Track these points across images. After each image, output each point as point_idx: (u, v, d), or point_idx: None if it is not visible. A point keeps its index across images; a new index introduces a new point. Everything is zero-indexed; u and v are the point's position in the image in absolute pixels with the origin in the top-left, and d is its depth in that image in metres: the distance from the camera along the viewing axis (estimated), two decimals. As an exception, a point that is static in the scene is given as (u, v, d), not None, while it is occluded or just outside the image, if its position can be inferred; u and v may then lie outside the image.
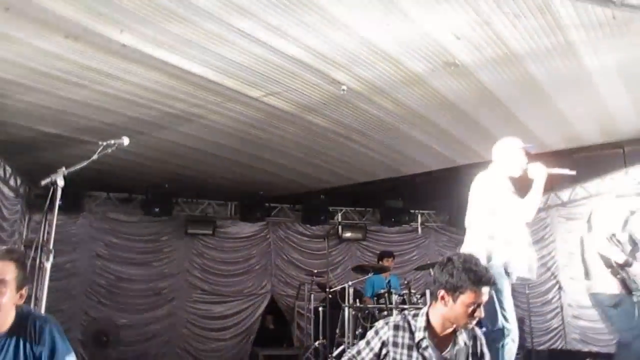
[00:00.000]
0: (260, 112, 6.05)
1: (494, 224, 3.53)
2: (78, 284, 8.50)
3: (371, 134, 6.83)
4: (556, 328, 8.57)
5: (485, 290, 2.38)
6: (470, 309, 2.37)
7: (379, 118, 6.27)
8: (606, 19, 4.12)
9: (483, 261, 3.25)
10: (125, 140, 3.04)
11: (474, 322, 2.45)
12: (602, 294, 4.14)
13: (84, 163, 2.86)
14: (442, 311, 2.45)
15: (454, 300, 2.39)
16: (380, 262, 7.94)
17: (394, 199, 9.78)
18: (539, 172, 3.63)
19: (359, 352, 2.57)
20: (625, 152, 7.29)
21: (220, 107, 5.90)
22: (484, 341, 2.60)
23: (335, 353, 6.84)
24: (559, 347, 8.43)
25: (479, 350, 2.55)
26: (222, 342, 9.28)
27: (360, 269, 7.75)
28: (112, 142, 2.97)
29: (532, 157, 3.67)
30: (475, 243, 3.57)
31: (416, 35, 4.42)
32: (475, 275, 2.38)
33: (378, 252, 9.07)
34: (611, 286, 4.06)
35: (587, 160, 7.47)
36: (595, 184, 7.91)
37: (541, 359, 7.92)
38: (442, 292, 2.43)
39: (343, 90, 5.28)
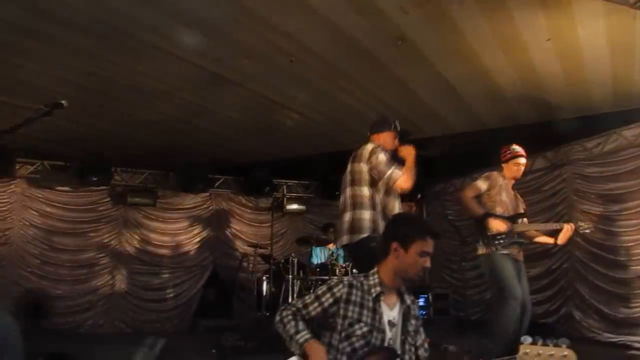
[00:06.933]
0: (204, 80, 5.90)
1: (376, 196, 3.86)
2: (9, 254, 8.12)
3: (316, 105, 6.81)
4: (489, 299, 8.99)
5: (432, 241, 2.58)
6: (421, 259, 2.55)
7: (324, 90, 6.25)
8: None
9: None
10: (64, 103, 2.88)
11: (421, 273, 2.61)
12: None
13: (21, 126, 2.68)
14: (394, 264, 2.60)
15: (406, 250, 2.56)
16: (325, 234, 8.06)
17: (337, 172, 9.82)
18: (409, 153, 4.00)
19: (305, 306, 2.59)
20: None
21: (158, 72, 5.70)
22: (417, 305, 2.79)
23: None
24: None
25: (417, 313, 2.73)
26: (162, 313, 9.16)
27: (304, 241, 7.84)
28: (50, 104, 2.80)
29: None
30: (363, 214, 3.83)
31: (364, 6, 4.41)
32: (422, 226, 2.66)
33: (321, 224, 9.18)
34: None
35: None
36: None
37: (473, 327, 8.31)
38: (394, 244, 2.59)
39: (291, 60, 5.22)
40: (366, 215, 3.75)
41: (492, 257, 4.65)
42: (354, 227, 3.76)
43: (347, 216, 3.84)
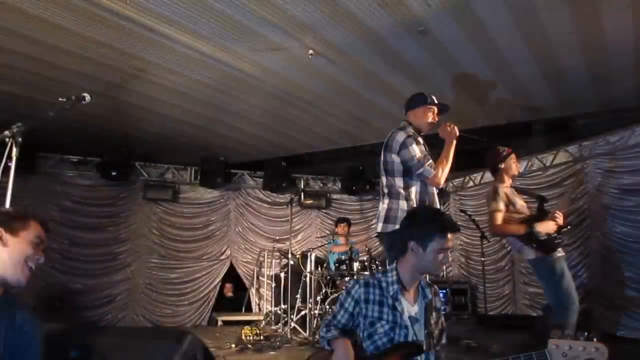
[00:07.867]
0: (222, 75, 5.89)
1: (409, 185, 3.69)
2: (30, 249, 8.22)
3: (335, 100, 6.77)
4: (507, 294, 8.92)
5: (451, 236, 2.52)
6: (440, 256, 2.50)
7: (343, 84, 6.21)
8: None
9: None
10: (87, 97, 2.89)
11: (442, 268, 2.59)
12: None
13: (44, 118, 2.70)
14: (413, 262, 2.55)
15: (424, 249, 2.50)
16: (336, 229, 8.04)
17: (355, 167, 9.81)
18: (449, 134, 3.81)
19: (335, 317, 2.64)
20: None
21: (180, 67, 5.71)
22: (441, 297, 2.76)
23: (296, 318, 6.93)
24: (510, 312, 8.79)
25: (439, 305, 2.70)
26: (181, 307, 9.23)
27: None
28: (73, 98, 2.81)
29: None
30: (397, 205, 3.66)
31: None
32: (441, 222, 2.55)
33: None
34: None
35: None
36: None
37: (493, 323, 8.23)
38: (412, 243, 2.54)
39: (310, 55, 5.18)
40: (402, 205, 3.62)
41: (553, 261, 4.28)
42: (389, 216, 3.64)
43: (383, 204, 3.73)
